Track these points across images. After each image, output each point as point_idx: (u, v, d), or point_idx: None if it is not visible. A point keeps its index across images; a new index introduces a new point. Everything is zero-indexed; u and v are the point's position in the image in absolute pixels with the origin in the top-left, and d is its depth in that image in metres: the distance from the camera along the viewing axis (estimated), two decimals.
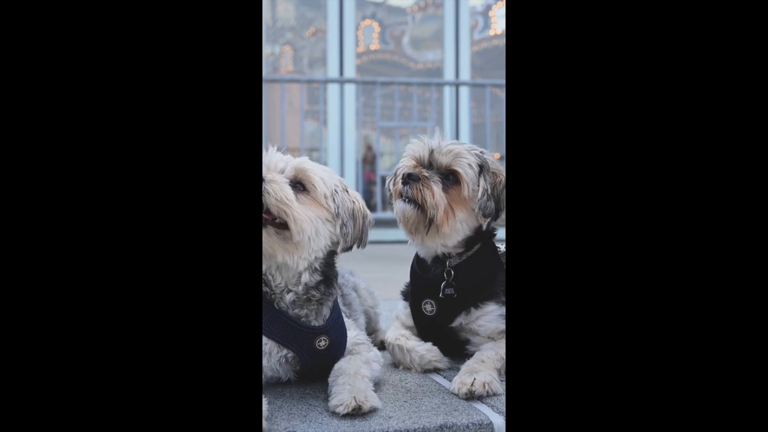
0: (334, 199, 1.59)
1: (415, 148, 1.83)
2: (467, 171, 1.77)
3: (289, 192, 1.51)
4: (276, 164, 1.59)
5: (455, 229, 1.80)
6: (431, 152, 1.80)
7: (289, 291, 1.60)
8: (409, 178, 1.75)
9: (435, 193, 1.74)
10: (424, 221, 1.76)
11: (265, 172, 1.53)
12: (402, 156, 1.90)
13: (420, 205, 1.75)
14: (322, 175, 1.60)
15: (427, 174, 1.76)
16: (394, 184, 1.85)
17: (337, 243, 1.62)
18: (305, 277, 1.59)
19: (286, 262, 1.55)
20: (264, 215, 1.49)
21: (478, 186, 1.78)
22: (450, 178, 1.79)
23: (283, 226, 1.51)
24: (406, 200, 1.76)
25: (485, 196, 1.77)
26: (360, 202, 1.66)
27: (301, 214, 1.51)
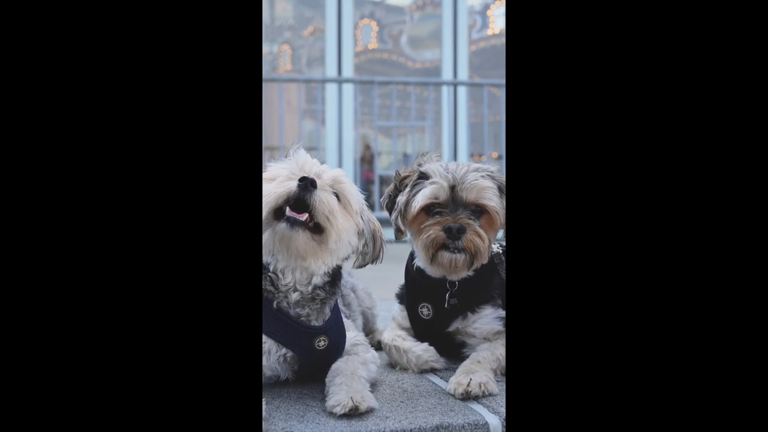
0: (362, 216, 1.64)
1: (433, 189, 1.76)
2: (495, 201, 1.76)
3: (334, 202, 1.54)
4: (310, 168, 1.60)
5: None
6: (452, 188, 1.76)
7: (296, 290, 1.61)
8: (458, 232, 1.71)
9: (484, 238, 1.74)
10: (470, 263, 1.77)
11: (300, 172, 1.55)
12: (405, 183, 1.84)
13: (472, 253, 1.74)
14: (354, 191, 1.65)
15: (469, 221, 1.73)
16: (403, 220, 1.82)
17: (353, 255, 1.66)
18: (316, 279, 1.61)
19: (310, 266, 1.57)
20: (290, 215, 1.50)
21: (503, 209, 1.78)
22: (477, 210, 1.77)
23: (316, 230, 1.52)
24: (456, 251, 1.73)
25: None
26: (377, 224, 1.71)
27: (343, 224, 1.55)
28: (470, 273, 1.84)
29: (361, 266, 1.70)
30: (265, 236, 1.50)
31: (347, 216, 1.59)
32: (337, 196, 1.59)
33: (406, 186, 1.85)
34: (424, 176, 1.82)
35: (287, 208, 1.50)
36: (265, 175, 1.58)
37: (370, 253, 1.68)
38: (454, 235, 1.72)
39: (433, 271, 1.85)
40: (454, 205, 1.75)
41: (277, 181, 1.54)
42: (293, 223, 1.49)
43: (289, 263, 1.58)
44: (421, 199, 1.77)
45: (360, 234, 1.64)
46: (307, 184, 1.49)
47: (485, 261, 1.80)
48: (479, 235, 1.73)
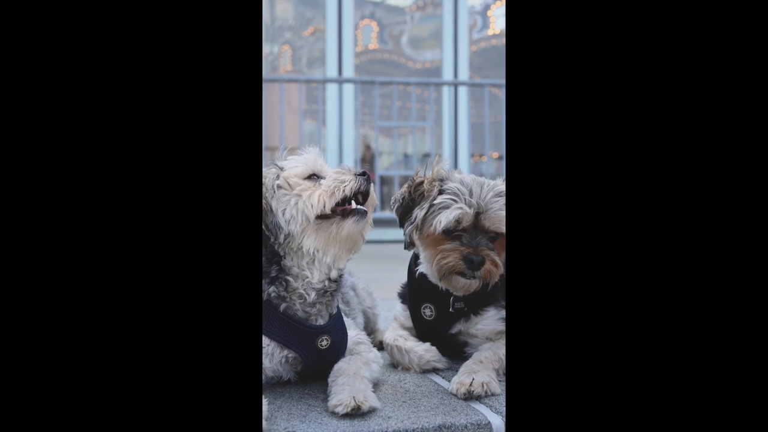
0: None
1: (457, 215, 1.74)
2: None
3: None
4: (322, 165, 1.64)
5: None
6: (477, 215, 1.74)
7: (314, 288, 1.61)
8: (480, 265, 1.72)
9: (500, 267, 1.75)
10: (483, 287, 1.78)
11: (315, 168, 1.62)
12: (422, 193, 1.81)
13: (487, 280, 1.76)
14: None
15: (489, 251, 1.73)
16: (419, 235, 1.81)
17: None
18: (333, 272, 1.63)
19: (344, 257, 1.63)
20: (360, 207, 1.57)
21: None
22: (495, 235, 1.77)
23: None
24: (471, 278, 1.74)
25: None
26: None
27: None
28: None
29: None
30: (326, 232, 1.54)
31: None
32: None
33: (422, 196, 1.81)
34: (443, 191, 1.79)
35: (352, 202, 1.56)
36: (292, 172, 1.60)
37: None
38: (474, 267, 1.72)
39: (439, 283, 1.85)
40: (474, 231, 1.75)
41: (331, 177, 1.58)
42: (363, 215, 1.56)
43: (334, 258, 1.60)
44: (443, 222, 1.73)
45: None
46: (369, 177, 1.58)
47: (496, 280, 1.80)
48: (496, 265, 1.74)
